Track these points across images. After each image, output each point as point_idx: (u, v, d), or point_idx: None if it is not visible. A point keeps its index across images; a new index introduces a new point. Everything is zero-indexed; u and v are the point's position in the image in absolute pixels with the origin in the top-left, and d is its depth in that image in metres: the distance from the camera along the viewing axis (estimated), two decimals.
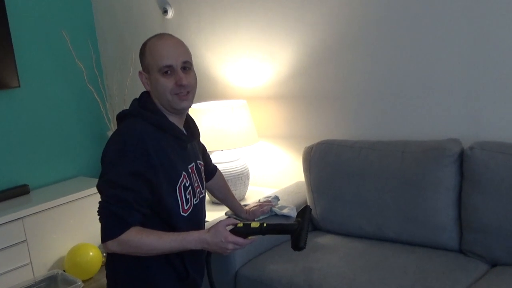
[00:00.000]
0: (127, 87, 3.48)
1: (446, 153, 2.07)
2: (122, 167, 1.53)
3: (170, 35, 1.69)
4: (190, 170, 1.70)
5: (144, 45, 1.68)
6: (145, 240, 1.53)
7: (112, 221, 1.53)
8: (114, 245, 1.54)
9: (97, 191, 3.38)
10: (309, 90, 2.73)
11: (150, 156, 1.55)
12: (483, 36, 2.15)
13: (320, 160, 2.41)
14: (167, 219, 1.63)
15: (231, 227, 1.60)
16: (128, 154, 1.54)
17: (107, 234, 1.54)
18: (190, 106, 1.70)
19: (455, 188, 2.07)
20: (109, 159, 1.58)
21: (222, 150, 2.74)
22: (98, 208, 1.56)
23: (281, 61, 2.80)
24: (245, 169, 2.77)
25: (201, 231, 1.60)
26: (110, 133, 3.48)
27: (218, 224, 1.59)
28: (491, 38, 2.13)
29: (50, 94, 3.45)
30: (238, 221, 1.62)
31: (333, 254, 2.13)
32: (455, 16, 2.20)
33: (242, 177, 2.74)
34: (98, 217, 1.56)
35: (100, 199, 1.58)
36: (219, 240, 1.55)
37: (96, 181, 3.55)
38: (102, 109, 3.53)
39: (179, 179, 1.64)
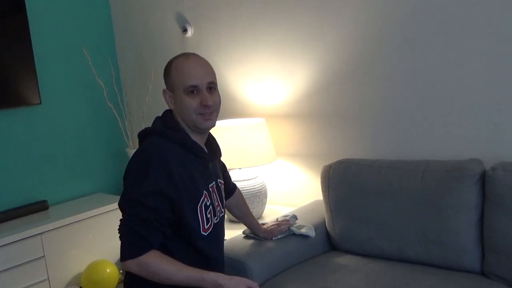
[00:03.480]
0: (146, 105, 3.51)
1: (467, 173, 2.04)
2: (144, 186, 1.54)
3: (196, 55, 1.70)
4: (211, 189, 1.70)
5: (170, 63, 1.69)
6: (164, 267, 1.53)
7: (133, 240, 1.53)
8: (133, 265, 1.54)
9: (115, 208, 3.39)
10: (328, 108, 2.73)
11: (172, 175, 1.56)
12: (505, 54, 2.13)
13: (339, 179, 2.40)
14: (187, 238, 1.63)
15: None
16: (151, 173, 1.54)
17: (127, 253, 1.54)
18: (214, 126, 1.71)
19: (477, 209, 2.04)
20: (132, 177, 1.58)
21: (240, 168, 2.73)
22: (119, 226, 1.57)
23: (300, 79, 2.81)
24: (263, 188, 2.76)
25: (221, 275, 1.59)
26: (128, 150, 3.51)
27: (242, 279, 1.58)
28: None
29: (71, 111, 3.49)
30: None
31: (352, 275, 2.10)
32: (476, 35, 2.19)
33: (260, 195, 2.73)
34: (119, 235, 1.56)
35: (121, 217, 1.59)
36: None
37: (114, 197, 3.58)
38: (121, 126, 3.56)
39: (200, 198, 1.64)
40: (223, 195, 1.84)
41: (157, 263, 1.53)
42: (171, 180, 1.55)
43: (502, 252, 1.95)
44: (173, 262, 1.56)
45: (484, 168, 2.07)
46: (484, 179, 2.04)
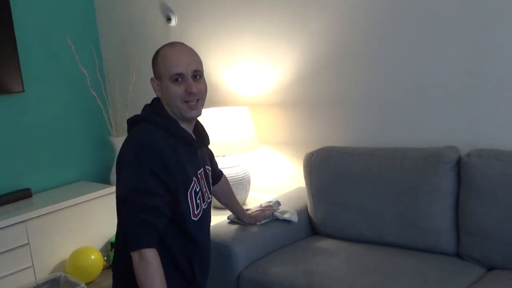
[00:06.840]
0: (129, 93, 3.52)
1: (444, 160, 2.12)
2: (142, 173, 1.55)
3: (182, 44, 1.72)
4: (199, 176, 1.74)
5: (157, 52, 1.71)
6: (156, 276, 1.53)
7: (144, 229, 1.55)
8: (136, 256, 1.55)
9: (98, 196, 3.34)
10: (311, 97, 2.79)
11: (166, 161, 1.58)
12: (480, 45, 2.21)
13: (321, 166, 2.46)
14: (180, 223, 1.66)
15: None
16: (146, 160, 1.56)
17: (141, 242, 1.55)
18: (199, 115, 1.73)
19: (452, 194, 2.12)
20: (126, 165, 1.59)
21: (224, 156, 2.78)
22: (127, 217, 1.57)
23: (283, 68, 2.86)
24: (246, 175, 2.81)
25: None
26: (112, 139, 3.53)
27: None
28: (487, 46, 2.19)
29: (54, 99, 3.49)
30: None
31: (334, 258, 2.17)
32: (453, 26, 2.26)
33: (243, 182, 2.78)
34: (127, 226, 1.57)
35: (117, 205, 1.61)
36: None
37: (98, 185, 3.58)
38: (104, 115, 3.57)
39: (190, 185, 1.67)
40: (211, 182, 1.88)
41: (154, 269, 1.53)
42: (165, 165, 1.58)
43: (476, 235, 2.04)
44: (164, 281, 1.56)
45: (459, 155, 2.15)
46: (459, 166, 2.12)
